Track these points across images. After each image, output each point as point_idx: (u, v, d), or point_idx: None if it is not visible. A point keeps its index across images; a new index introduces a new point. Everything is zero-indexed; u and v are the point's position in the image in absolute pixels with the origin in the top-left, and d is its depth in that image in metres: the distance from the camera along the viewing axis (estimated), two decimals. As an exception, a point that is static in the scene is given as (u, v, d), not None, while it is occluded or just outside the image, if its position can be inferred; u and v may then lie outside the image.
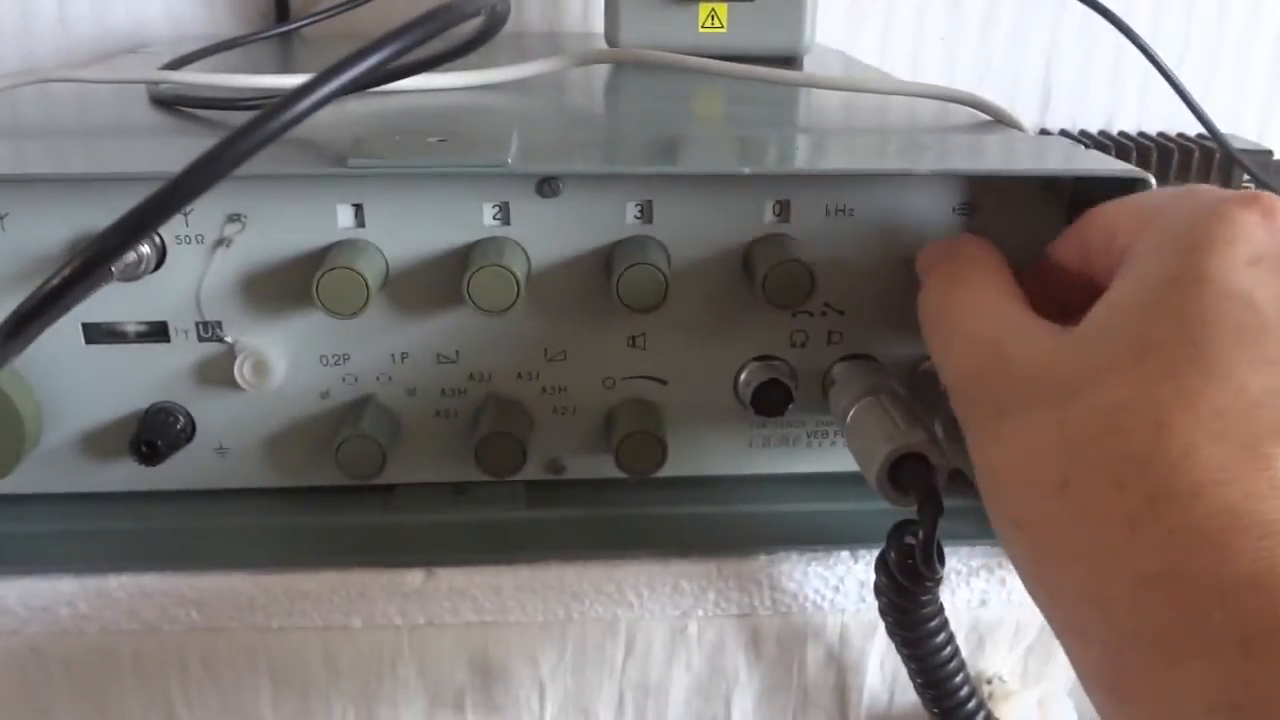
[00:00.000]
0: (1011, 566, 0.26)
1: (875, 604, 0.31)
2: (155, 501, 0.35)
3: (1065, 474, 0.22)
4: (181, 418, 0.34)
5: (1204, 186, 0.26)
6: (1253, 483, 0.20)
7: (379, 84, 0.40)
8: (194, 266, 0.32)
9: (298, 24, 0.70)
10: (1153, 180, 0.31)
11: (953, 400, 0.27)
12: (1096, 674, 0.22)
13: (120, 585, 0.33)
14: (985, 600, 0.35)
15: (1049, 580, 0.24)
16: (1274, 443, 0.21)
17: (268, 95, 0.41)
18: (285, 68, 0.60)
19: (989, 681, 0.37)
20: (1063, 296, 0.30)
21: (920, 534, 0.28)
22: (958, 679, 0.32)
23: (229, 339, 0.33)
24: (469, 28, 0.32)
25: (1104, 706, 0.22)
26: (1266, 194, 0.24)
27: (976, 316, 0.28)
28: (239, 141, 0.20)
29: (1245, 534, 0.20)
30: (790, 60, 0.60)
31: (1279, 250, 0.23)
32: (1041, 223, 0.33)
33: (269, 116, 0.20)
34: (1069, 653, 0.23)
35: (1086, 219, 0.29)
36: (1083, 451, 0.22)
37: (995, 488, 0.25)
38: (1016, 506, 0.24)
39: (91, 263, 0.20)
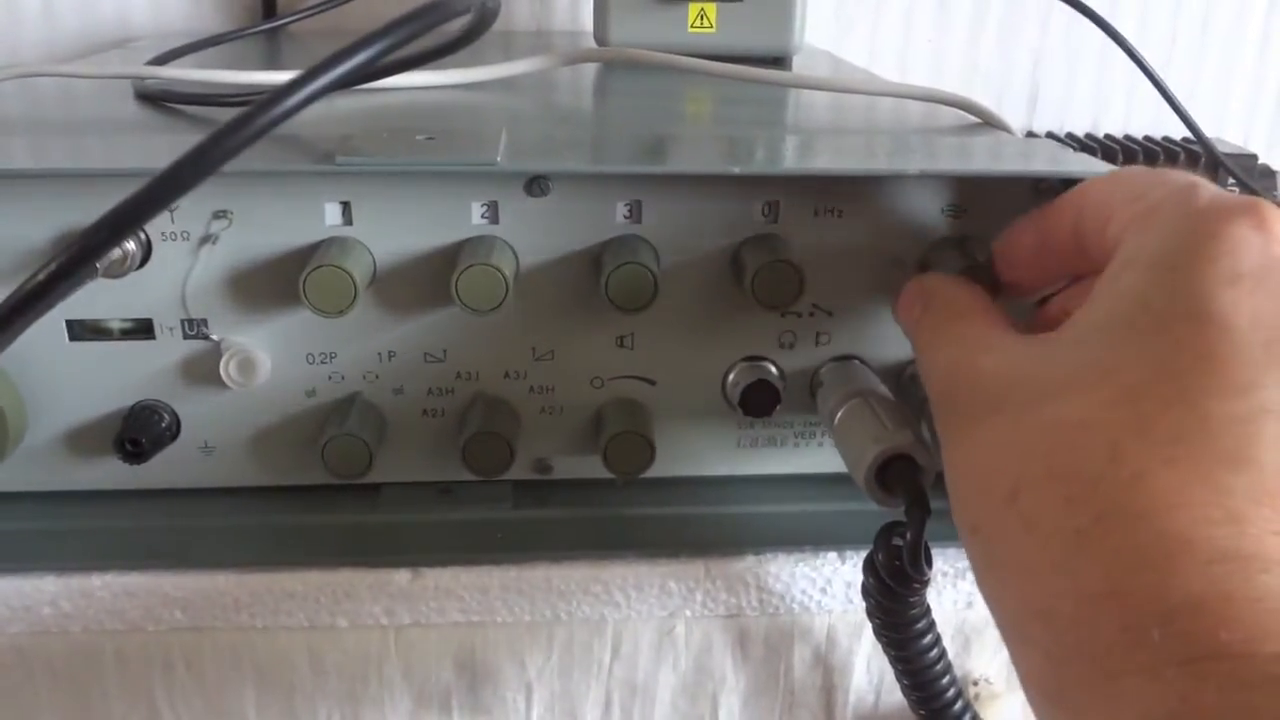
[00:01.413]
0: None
1: (862, 605, 0.31)
2: (139, 500, 0.35)
3: (1016, 484, 0.23)
4: (166, 416, 0.34)
5: (1206, 185, 0.25)
6: (1204, 509, 0.20)
7: (367, 81, 0.40)
8: (180, 263, 0.32)
9: (284, 20, 0.70)
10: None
11: (934, 419, 0.28)
12: (1038, 681, 0.22)
13: (104, 584, 0.33)
14: (971, 602, 0.35)
15: (997, 586, 0.24)
16: (1229, 471, 0.21)
17: (254, 91, 0.40)
18: (272, 64, 0.60)
19: (975, 683, 0.37)
20: (1053, 263, 0.30)
21: (908, 536, 0.28)
22: (944, 680, 0.32)
23: (215, 337, 0.33)
24: (458, 25, 0.32)
25: (1043, 713, 0.23)
26: (1264, 204, 0.24)
27: (958, 344, 0.28)
28: (226, 138, 0.20)
29: (1192, 558, 0.20)
30: (779, 60, 0.60)
31: (1263, 266, 0.23)
32: (1029, 225, 0.33)
33: (256, 113, 0.20)
34: (1013, 657, 0.24)
35: (1080, 194, 0.28)
36: (1034, 464, 0.23)
37: (956, 494, 0.25)
38: (972, 512, 0.24)
39: (76, 260, 0.19)
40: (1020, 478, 0.23)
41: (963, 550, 0.34)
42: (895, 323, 0.32)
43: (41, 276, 0.19)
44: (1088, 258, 0.28)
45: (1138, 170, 0.28)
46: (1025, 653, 0.23)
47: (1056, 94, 0.83)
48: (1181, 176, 0.26)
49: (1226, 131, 0.84)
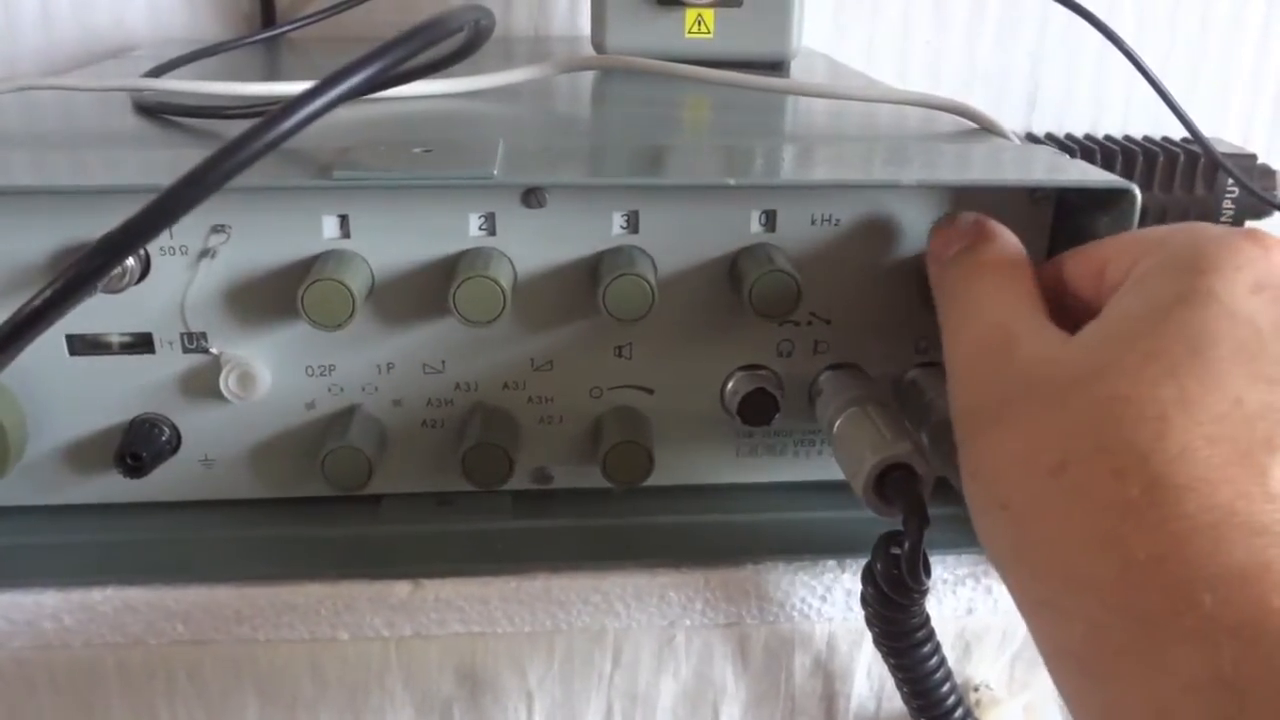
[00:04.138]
0: (996, 575, 0.27)
1: (863, 613, 0.31)
2: (140, 513, 0.35)
3: (1064, 458, 0.23)
4: (166, 429, 0.34)
5: (1208, 224, 0.27)
6: (1246, 485, 0.21)
7: (368, 94, 0.40)
8: (178, 277, 0.32)
9: (283, 29, 0.70)
10: (1137, 190, 0.31)
11: (951, 383, 0.28)
12: (1076, 653, 0.23)
13: (105, 598, 0.33)
14: (971, 609, 0.35)
15: (1032, 562, 0.24)
16: (1267, 453, 0.22)
17: (251, 103, 0.41)
18: (271, 73, 0.60)
19: (975, 689, 0.37)
20: (1072, 309, 0.30)
21: (906, 545, 0.28)
22: (944, 688, 0.32)
23: (214, 350, 0.33)
24: (455, 39, 0.32)
25: (1076, 685, 0.23)
26: (1266, 232, 0.26)
27: (995, 304, 0.28)
28: (224, 160, 0.20)
29: (1238, 530, 0.21)
30: (777, 65, 0.60)
31: (1277, 284, 0.24)
32: (1027, 232, 0.33)
33: (253, 135, 0.20)
34: (1041, 632, 0.24)
35: (1109, 243, 0.29)
36: (1082, 439, 0.23)
37: (984, 471, 0.26)
38: (1005, 488, 0.25)
39: (75, 283, 0.19)
40: (1068, 452, 0.23)
41: (962, 557, 0.35)
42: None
43: (38, 302, 0.19)
44: (1101, 299, 0.28)
45: (1152, 228, 0.29)
46: (1061, 626, 0.23)
47: (1055, 95, 0.82)
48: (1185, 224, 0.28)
49: (1225, 131, 0.83)
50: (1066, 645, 0.23)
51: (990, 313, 0.28)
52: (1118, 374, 0.24)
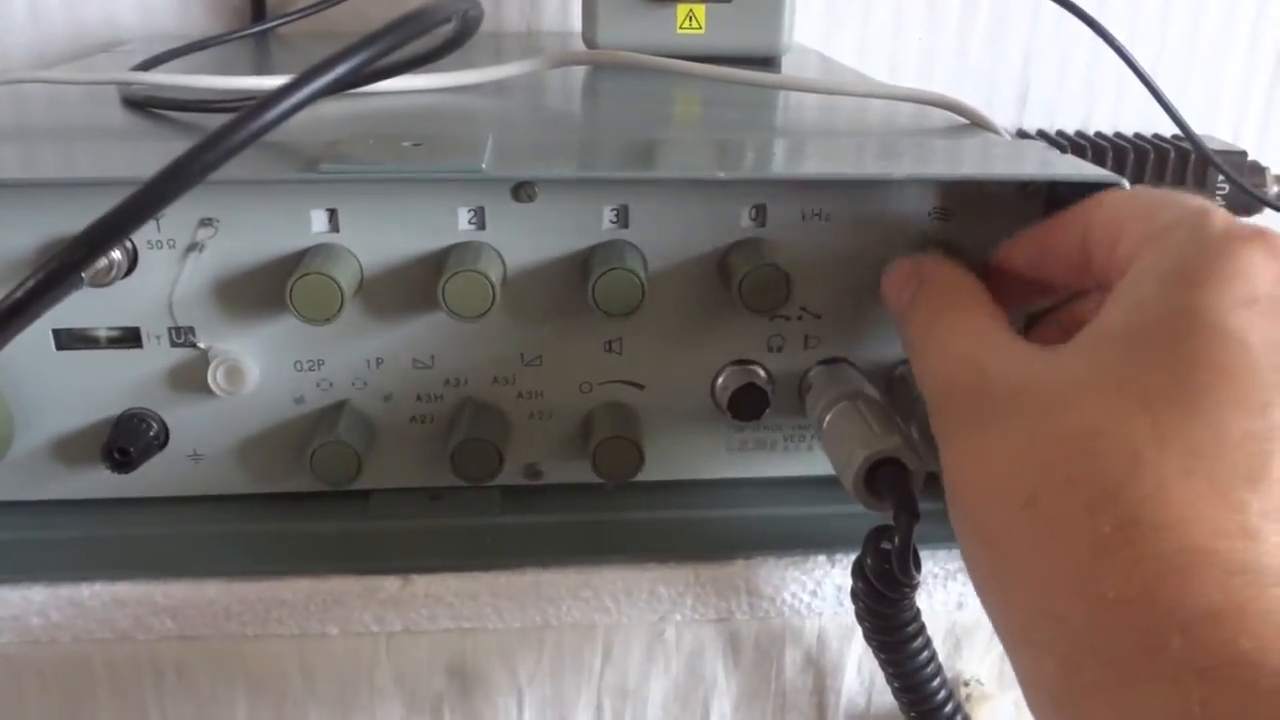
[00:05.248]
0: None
1: (853, 608, 0.31)
2: (128, 509, 0.35)
3: (1034, 490, 0.23)
4: (154, 424, 0.33)
5: (1218, 210, 0.25)
6: (1222, 523, 0.21)
7: (352, 87, 0.40)
8: (166, 271, 0.32)
9: (273, 23, 0.70)
10: (1127, 185, 0.31)
11: (931, 417, 0.27)
12: (1048, 688, 0.22)
13: (93, 594, 0.32)
14: (962, 603, 0.35)
15: (1007, 593, 0.24)
16: (1247, 488, 0.21)
17: (239, 97, 0.40)
18: (260, 68, 0.60)
19: (966, 684, 0.37)
20: (1054, 275, 0.30)
21: (896, 540, 0.28)
22: (934, 683, 0.32)
23: (202, 344, 0.33)
24: (444, 31, 0.32)
25: (1049, 719, 0.23)
26: (1273, 233, 0.24)
27: (959, 336, 0.28)
28: (206, 151, 0.20)
29: (1212, 570, 0.20)
30: (768, 61, 0.60)
31: (1273, 293, 0.23)
32: (1017, 226, 0.33)
33: (236, 126, 0.20)
34: (1018, 665, 0.24)
35: (1090, 207, 0.28)
36: (1054, 471, 0.22)
37: (962, 498, 0.25)
38: (981, 518, 0.24)
39: (54, 277, 0.19)
40: (1038, 484, 0.23)
41: (953, 552, 0.35)
42: (882, 303, 0.32)
43: (20, 294, 0.19)
44: (1091, 273, 0.28)
45: (1150, 190, 0.28)
46: (1034, 660, 0.23)
47: (1047, 92, 0.82)
48: (1194, 200, 0.26)
49: (1216, 128, 0.83)
50: (1039, 679, 0.23)
51: (957, 346, 0.28)
52: (1091, 402, 0.23)
